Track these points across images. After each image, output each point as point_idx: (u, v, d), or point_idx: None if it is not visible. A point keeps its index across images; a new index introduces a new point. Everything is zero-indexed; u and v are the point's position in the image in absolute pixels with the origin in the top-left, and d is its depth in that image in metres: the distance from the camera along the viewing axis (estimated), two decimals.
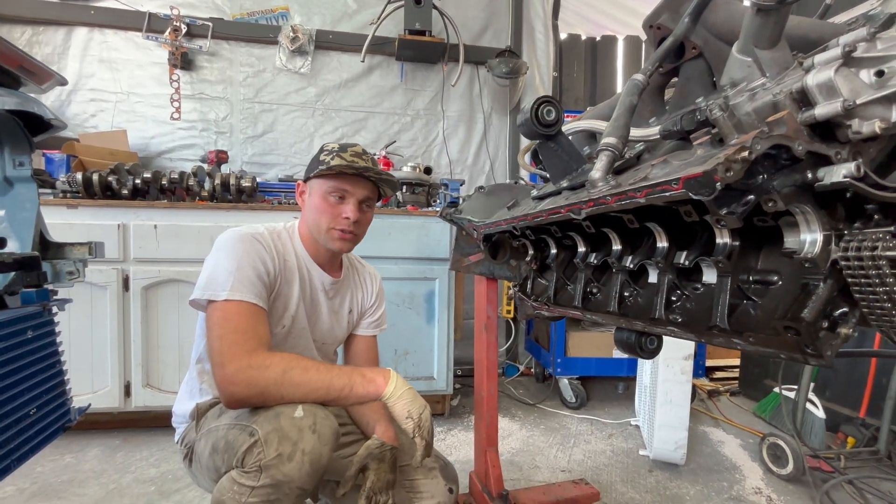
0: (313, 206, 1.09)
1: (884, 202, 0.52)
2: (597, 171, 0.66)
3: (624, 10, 3.27)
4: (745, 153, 0.46)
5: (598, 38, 3.38)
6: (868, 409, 2.04)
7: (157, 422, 2.04)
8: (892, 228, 0.51)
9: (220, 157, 2.39)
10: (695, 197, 0.49)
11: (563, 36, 3.30)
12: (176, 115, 2.70)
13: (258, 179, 2.44)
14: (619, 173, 0.71)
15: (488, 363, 1.34)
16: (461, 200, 2.38)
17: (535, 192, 0.97)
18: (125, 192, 1.99)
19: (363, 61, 2.82)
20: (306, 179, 1.12)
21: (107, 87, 2.65)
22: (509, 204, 1.11)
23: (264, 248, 1.03)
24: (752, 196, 0.51)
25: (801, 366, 1.99)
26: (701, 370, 2.83)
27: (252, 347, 0.90)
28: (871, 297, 0.49)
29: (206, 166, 2.26)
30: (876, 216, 0.53)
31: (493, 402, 1.36)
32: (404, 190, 2.45)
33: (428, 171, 2.61)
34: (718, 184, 0.46)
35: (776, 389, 2.35)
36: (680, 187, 0.50)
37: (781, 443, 1.81)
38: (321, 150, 1.10)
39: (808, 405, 1.97)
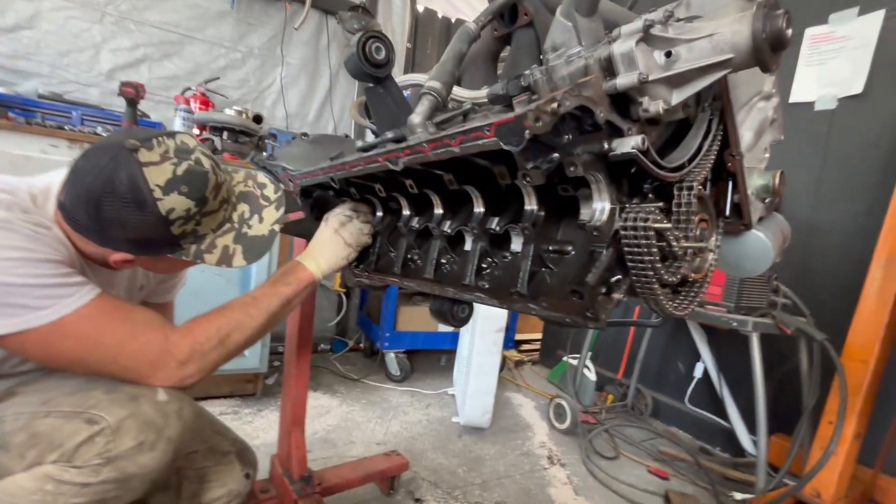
0: (165, 267, 0.88)
1: (657, 182, 0.58)
2: (417, 115, 0.59)
3: None
4: (554, 105, 0.45)
5: (453, 20, 3.43)
6: (625, 371, 2.57)
7: None
8: (661, 204, 0.57)
9: None
10: (504, 146, 0.46)
11: (420, 9, 3.24)
12: None
13: (4, 91, 1.77)
14: (441, 125, 0.66)
15: (300, 335, 1.21)
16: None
17: (359, 144, 0.87)
18: None
19: None
20: (144, 255, 0.76)
21: None
22: (333, 155, 0.99)
23: (28, 237, 0.67)
24: (556, 155, 0.50)
25: (583, 337, 2.38)
26: (511, 342, 3.19)
27: (158, 336, 0.73)
28: (639, 265, 0.53)
29: None
30: (650, 195, 0.59)
31: (303, 379, 1.23)
32: (225, 136, 2.08)
33: (258, 119, 2.27)
34: (527, 132, 0.43)
35: (565, 358, 2.79)
36: (492, 134, 0.46)
37: (563, 402, 2.13)
38: (166, 222, 0.71)
39: (585, 370, 2.37)
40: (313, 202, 1.14)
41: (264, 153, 1.04)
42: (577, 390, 2.25)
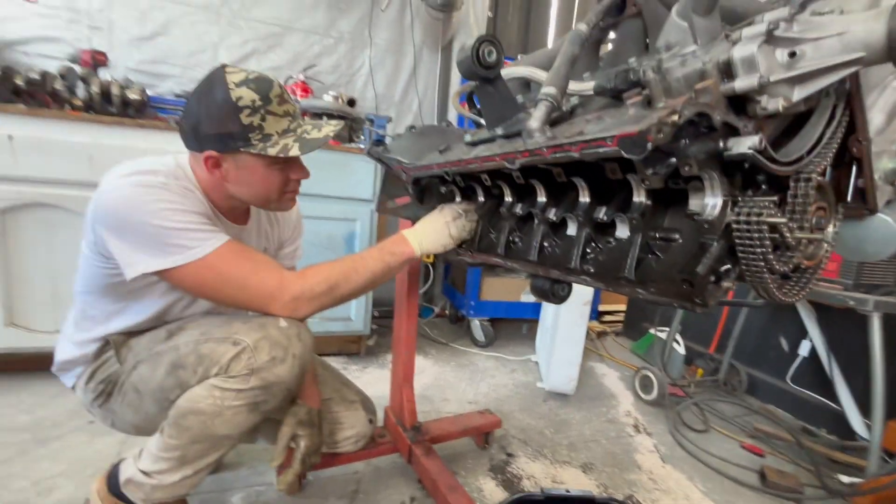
0: (252, 179, 0.92)
1: (771, 175, 0.60)
2: (535, 120, 0.66)
3: None
4: (675, 117, 0.49)
5: None
6: (717, 346, 2.48)
7: (29, 365, 1.79)
8: (774, 198, 0.59)
9: (98, 59, 1.98)
10: (626, 156, 0.52)
11: None
12: None
13: (148, 92, 2.09)
14: (553, 125, 0.72)
15: (408, 304, 1.37)
16: (387, 139, 2.28)
17: (468, 138, 0.95)
18: None
19: None
20: (226, 151, 0.88)
21: None
22: (441, 147, 1.08)
23: (180, 190, 0.89)
24: (674, 159, 0.54)
25: (673, 311, 2.33)
26: (594, 314, 3.19)
27: (276, 279, 0.91)
28: (750, 255, 0.57)
29: (78, 68, 1.86)
30: (764, 186, 0.61)
31: (411, 341, 1.40)
32: (324, 121, 2.27)
33: (352, 102, 2.44)
34: (650, 144, 0.48)
35: (651, 331, 2.75)
36: (614, 144, 0.52)
37: (650, 374, 2.14)
38: (235, 107, 0.84)
39: (673, 343, 2.33)
40: (419, 189, 1.26)
41: (380, 147, 1.17)
42: (664, 362, 2.24)
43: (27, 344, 1.72)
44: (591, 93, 0.78)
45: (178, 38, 2.44)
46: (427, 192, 1.29)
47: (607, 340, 3.07)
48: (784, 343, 2.20)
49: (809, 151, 0.61)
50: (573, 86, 0.84)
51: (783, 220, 0.55)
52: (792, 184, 0.60)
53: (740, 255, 0.58)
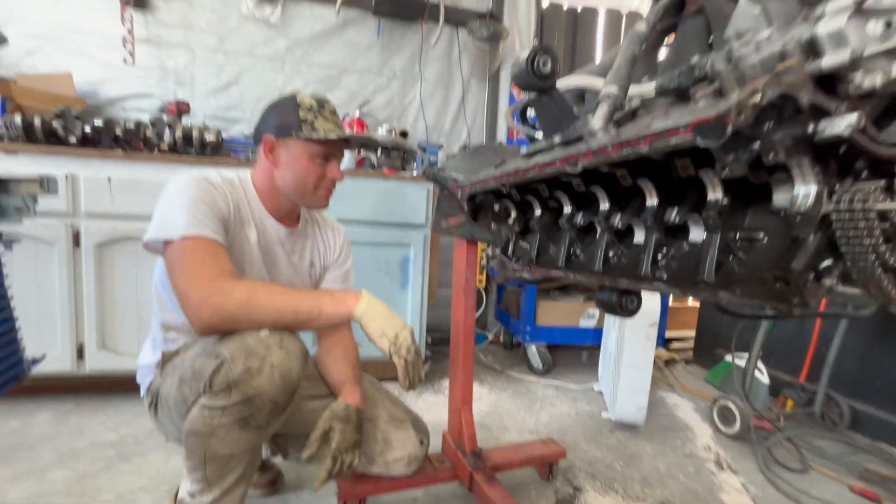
0: (296, 166, 1.07)
1: (874, 159, 0.54)
2: (598, 120, 0.64)
3: None
4: (757, 98, 0.46)
5: (579, 10, 3.33)
6: (808, 375, 2.22)
7: (116, 386, 1.94)
8: (882, 183, 0.52)
9: (182, 109, 2.22)
10: (702, 144, 0.49)
11: (544, 4, 3.23)
12: (129, 60, 2.47)
13: (223, 135, 2.30)
14: (616, 125, 0.70)
15: (465, 325, 1.35)
16: (440, 164, 2.33)
17: (524, 150, 0.95)
18: (73, 139, 1.82)
19: (338, 14, 2.66)
20: (281, 136, 1.06)
21: (45, 21, 2.38)
22: (497, 163, 1.09)
23: (216, 190, 1.01)
24: (757, 144, 0.50)
25: (752, 336, 2.12)
26: (661, 340, 2.99)
27: (212, 275, 0.89)
28: (857, 249, 0.51)
29: (165, 117, 2.09)
30: (865, 172, 0.55)
31: (469, 363, 1.37)
32: (379, 153, 2.38)
33: (404, 134, 2.54)
34: (730, 127, 0.45)
35: (727, 357, 2.52)
36: (689, 132, 0.49)
37: (731, 405, 1.94)
38: (297, 105, 1.06)
39: (755, 371, 2.11)
40: (473, 206, 1.26)
41: (436, 166, 1.19)
42: (746, 393, 2.02)
43: (116, 366, 1.87)
44: (653, 94, 0.76)
45: (248, 86, 2.69)
46: (481, 209, 1.29)
47: (677, 369, 2.84)
48: None
49: None
50: (634, 89, 0.82)
51: (895, 206, 0.49)
52: None
53: (843, 249, 0.52)
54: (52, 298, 1.79)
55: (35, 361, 0.80)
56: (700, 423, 2.08)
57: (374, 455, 1.17)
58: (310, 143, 1.05)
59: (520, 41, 3.05)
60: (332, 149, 1.09)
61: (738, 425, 1.90)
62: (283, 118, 1.05)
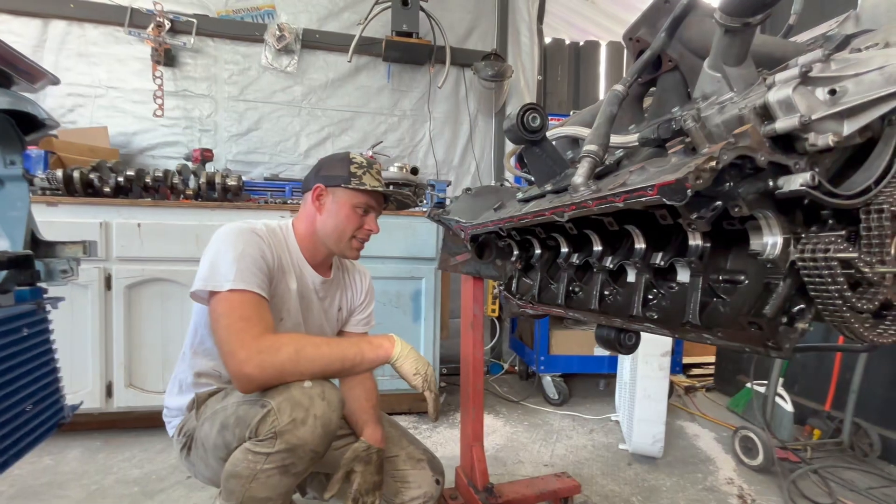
0: (339, 213, 1.14)
1: (839, 209, 0.58)
2: (579, 176, 0.70)
3: (607, 16, 3.35)
4: (713, 163, 0.51)
5: (581, 44, 3.46)
6: (833, 402, 2.15)
7: (141, 423, 2.02)
8: (843, 232, 0.56)
9: (205, 156, 2.37)
10: (668, 203, 0.53)
11: (547, 40, 3.36)
12: (159, 112, 2.66)
13: (243, 178, 2.43)
14: (599, 178, 0.76)
15: (474, 360, 1.38)
16: (448, 201, 2.41)
17: (520, 195, 1.00)
18: (107, 189, 1.96)
19: (350, 61, 2.83)
20: (330, 185, 1.14)
21: (85, 82, 2.59)
22: (496, 206, 1.15)
23: (263, 242, 1.07)
24: (719, 202, 0.55)
25: (772, 362, 2.08)
26: (678, 367, 2.93)
27: (259, 333, 0.93)
28: (824, 294, 0.54)
29: (190, 164, 2.24)
30: (830, 221, 0.59)
31: (479, 398, 1.39)
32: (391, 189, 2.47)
33: (414, 171, 2.64)
34: (689, 191, 0.50)
35: (748, 385, 2.46)
36: (654, 193, 0.54)
37: (753, 435, 1.89)
38: (349, 161, 1.14)
39: (778, 399, 2.06)
40: (478, 245, 1.32)
41: (439, 210, 1.26)
42: (768, 422, 1.97)
43: (141, 403, 1.95)
44: (636, 144, 0.81)
45: (267, 130, 2.86)
46: (486, 247, 1.35)
47: (697, 397, 2.78)
48: None
49: (878, 181, 0.58)
50: (618, 139, 0.88)
51: (854, 254, 0.52)
52: (863, 216, 0.58)
53: (812, 294, 0.55)
54: (84, 339, 1.89)
55: (74, 408, 0.87)
56: (722, 455, 2.03)
57: (391, 494, 1.19)
58: (355, 193, 1.13)
59: (524, 78, 3.17)
60: (372, 202, 1.16)
61: (761, 457, 1.85)
62: (335, 170, 1.13)
